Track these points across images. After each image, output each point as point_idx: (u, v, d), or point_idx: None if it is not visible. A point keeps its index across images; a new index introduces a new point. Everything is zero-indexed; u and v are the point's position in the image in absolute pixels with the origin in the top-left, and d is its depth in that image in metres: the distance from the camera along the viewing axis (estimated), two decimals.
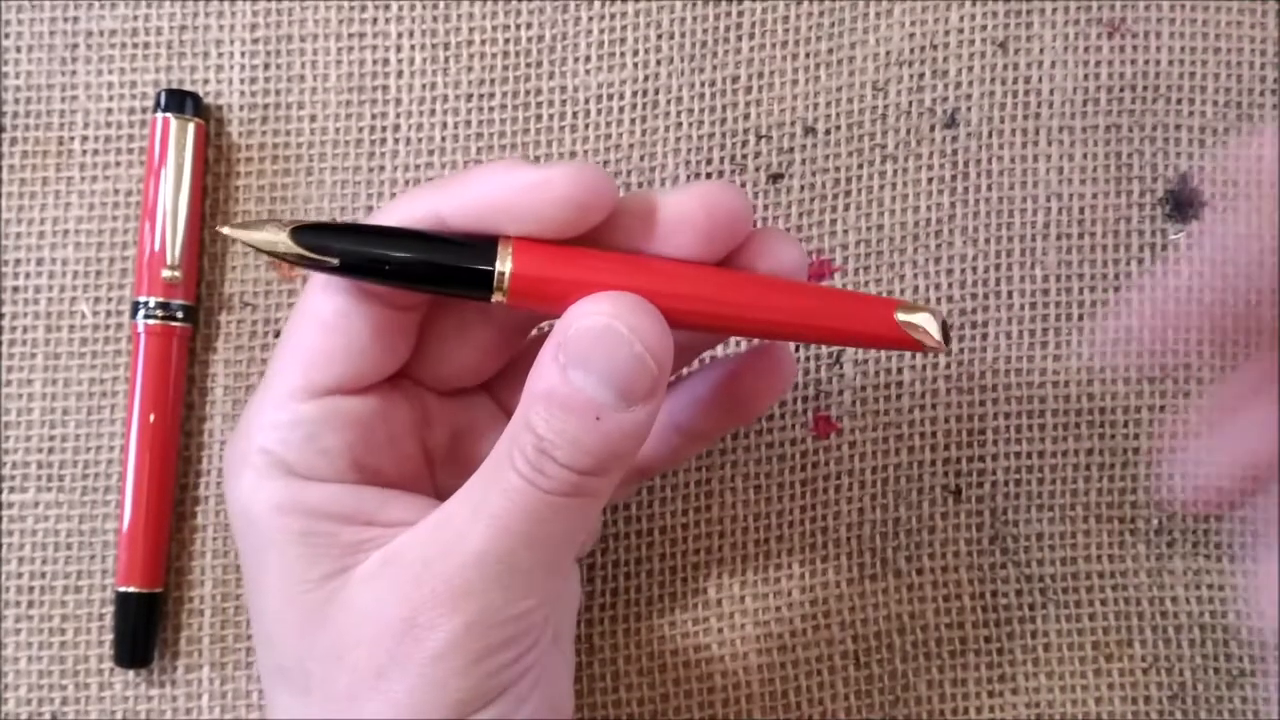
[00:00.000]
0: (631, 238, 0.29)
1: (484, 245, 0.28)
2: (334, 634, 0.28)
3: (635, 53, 0.39)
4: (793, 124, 0.39)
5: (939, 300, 0.38)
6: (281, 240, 0.28)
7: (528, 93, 0.39)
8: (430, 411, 0.32)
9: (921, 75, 0.39)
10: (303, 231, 0.28)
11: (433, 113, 0.38)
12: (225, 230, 0.29)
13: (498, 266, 0.27)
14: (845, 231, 0.38)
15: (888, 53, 0.39)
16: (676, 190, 0.29)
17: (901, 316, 0.28)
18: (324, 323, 0.29)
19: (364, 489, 0.29)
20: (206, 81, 0.39)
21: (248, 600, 0.31)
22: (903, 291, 0.38)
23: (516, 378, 0.32)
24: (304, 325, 0.30)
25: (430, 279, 0.28)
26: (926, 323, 0.28)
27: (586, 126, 0.38)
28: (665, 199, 0.29)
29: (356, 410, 0.30)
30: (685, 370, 0.35)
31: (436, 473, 0.32)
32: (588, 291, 0.27)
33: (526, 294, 0.28)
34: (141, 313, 0.37)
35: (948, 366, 0.38)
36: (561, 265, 0.28)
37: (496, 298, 0.28)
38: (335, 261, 0.28)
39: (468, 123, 0.38)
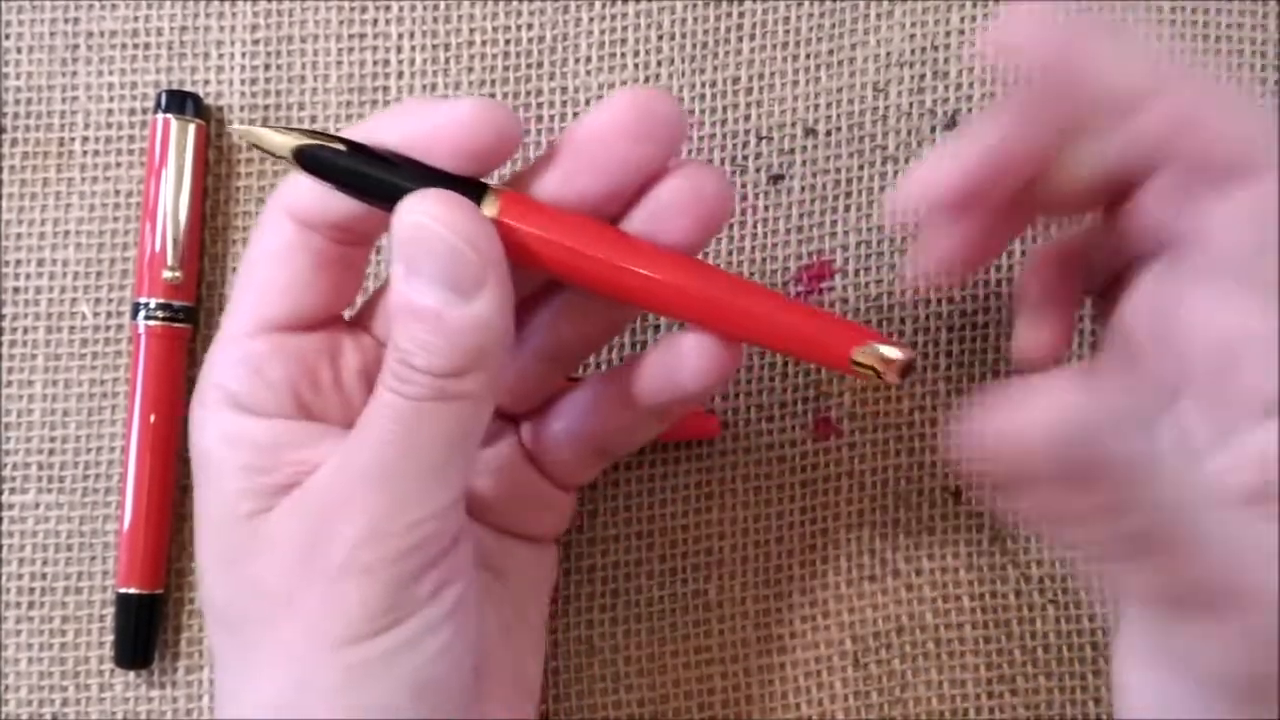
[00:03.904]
0: (563, 168, 0.29)
1: (474, 186, 0.29)
2: (252, 571, 0.29)
3: (636, 54, 0.39)
4: (793, 125, 0.39)
5: (940, 301, 0.38)
6: (286, 153, 0.29)
7: (528, 94, 0.39)
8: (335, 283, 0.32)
9: (922, 77, 0.39)
10: (306, 150, 0.29)
11: None
12: (235, 128, 0.30)
13: (485, 210, 0.28)
14: (845, 232, 0.38)
15: (888, 54, 0.39)
16: (600, 103, 0.29)
17: (857, 356, 0.29)
18: (270, 256, 0.30)
19: (307, 424, 0.30)
20: (207, 82, 0.39)
21: (196, 545, 0.32)
22: (902, 292, 0.38)
23: None
24: (252, 263, 0.31)
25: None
26: (881, 361, 0.29)
27: None
28: (589, 115, 0.29)
29: (302, 346, 0.31)
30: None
31: None
32: (562, 253, 0.29)
33: (505, 241, 0.28)
34: (142, 314, 0.37)
35: (948, 368, 0.38)
36: (541, 222, 0.29)
37: None
38: (330, 184, 0.29)
39: None
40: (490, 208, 0.28)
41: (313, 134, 0.29)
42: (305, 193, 0.30)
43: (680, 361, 0.31)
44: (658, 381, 0.33)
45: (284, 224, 0.30)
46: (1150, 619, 0.28)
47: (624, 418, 0.33)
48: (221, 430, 0.30)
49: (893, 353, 0.29)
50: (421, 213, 0.27)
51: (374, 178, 0.29)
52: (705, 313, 0.30)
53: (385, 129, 0.29)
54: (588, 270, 0.29)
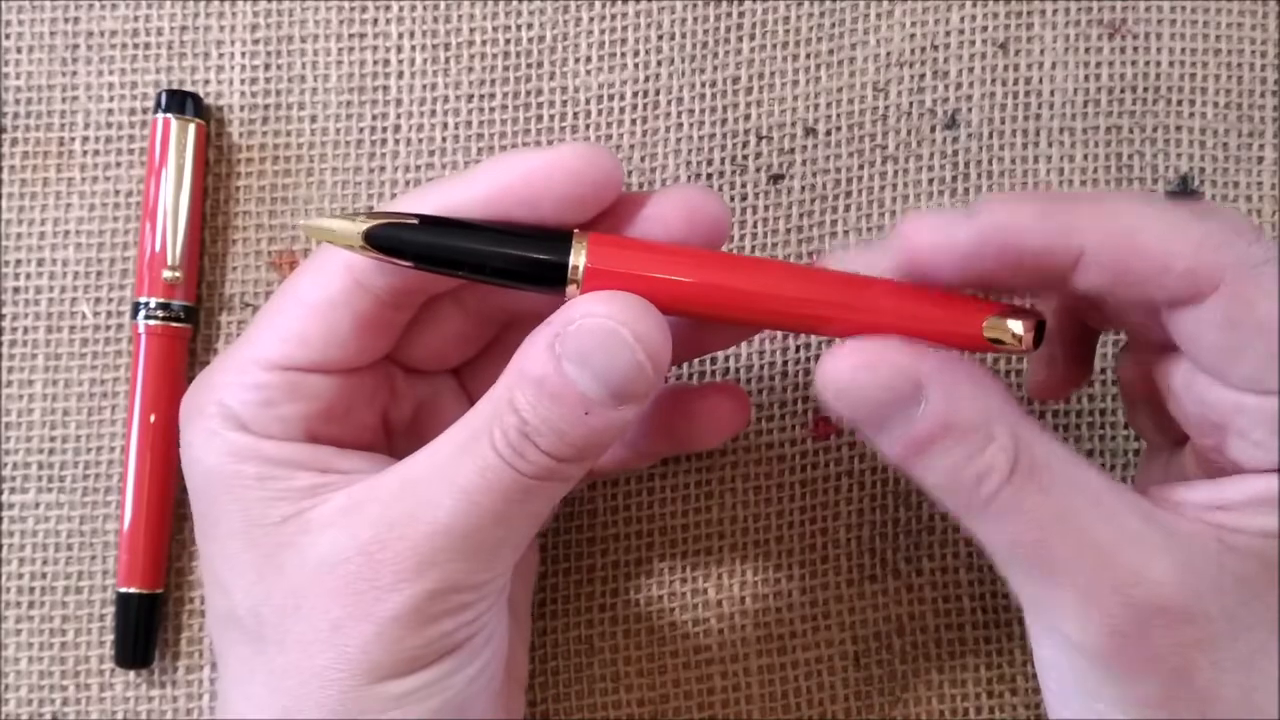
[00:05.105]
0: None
1: (558, 238, 0.27)
2: (291, 581, 0.28)
3: (636, 53, 0.39)
4: (793, 125, 0.39)
5: None
6: (357, 240, 0.27)
7: (528, 93, 0.39)
8: (397, 387, 0.32)
9: (922, 76, 0.39)
10: (378, 232, 0.27)
11: (433, 113, 0.38)
12: (302, 224, 0.28)
13: (572, 260, 0.27)
14: (845, 232, 0.38)
15: (888, 54, 0.39)
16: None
17: (989, 331, 0.28)
18: (309, 307, 0.29)
19: (317, 446, 0.30)
20: (207, 82, 0.39)
21: (201, 553, 0.31)
22: None
23: (483, 365, 0.33)
24: (289, 302, 0.30)
25: (503, 273, 0.28)
26: (1015, 329, 0.28)
27: (587, 127, 0.38)
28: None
29: (319, 387, 0.30)
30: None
31: (395, 443, 0.32)
32: (662, 286, 0.27)
33: (600, 288, 0.27)
34: (142, 313, 0.37)
35: None
36: (636, 259, 0.28)
37: (570, 290, 0.27)
38: (409, 263, 0.27)
39: (468, 123, 0.38)
40: (579, 255, 0.27)
41: (381, 214, 0.28)
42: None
43: (693, 424, 0.33)
44: (667, 435, 0.34)
45: (338, 276, 0.29)
46: (1017, 587, 0.29)
47: (620, 455, 0.34)
48: (228, 446, 0.29)
49: (1018, 326, 0.27)
50: (619, 321, 0.26)
51: (452, 248, 0.27)
52: (825, 321, 0.28)
53: (483, 180, 0.28)
54: (697, 299, 0.28)
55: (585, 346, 0.26)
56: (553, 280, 0.27)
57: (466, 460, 0.27)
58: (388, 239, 0.27)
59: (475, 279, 0.28)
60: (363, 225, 0.27)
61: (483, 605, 0.29)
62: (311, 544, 0.28)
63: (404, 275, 0.29)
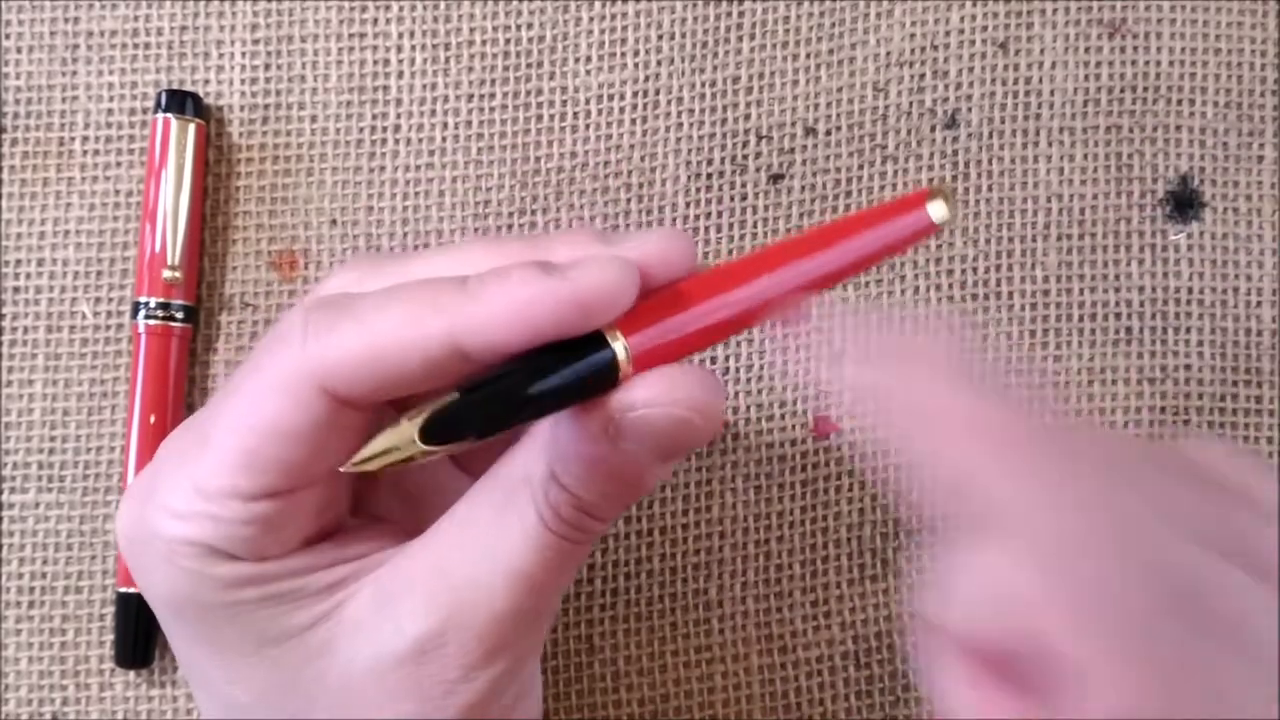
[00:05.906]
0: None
1: (589, 344, 0.26)
2: (337, 687, 0.27)
3: (636, 53, 0.39)
4: (793, 124, 0.39)
5: (939, 300, 0.38)
6: (417, 449, 0.25)
7: (528, 93, 0.39)
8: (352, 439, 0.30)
9: (922, 76, 0.39)
10: (432, 432, 0.25)
11: (433, 113, 0.38)
12: (355, 463, 0.25)
13: (618, 354, 0.26)
14: None
15: (888, 53, 0.39)
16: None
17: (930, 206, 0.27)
18: (290, 436, 0.26)
19: (317, 546, 0.28)
20: (207, 82, 0.39)
21: (190, 671, 0.29)
22: (903, 293, 0.38)
23: None
24: (254, 425, 0.26)
25: (558, 404, 0.26)
26: (947, 195, 0.27)
27: (587, 127, 0.39)
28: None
29: (309, 497, 0.28)
30: None
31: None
32: (701, 336, 0.27)
33: (649, 365, 0.26)
34: (142, 313, 0.37)
35: None
36: (668, 320, 0.27)
37: (623, 373, 0.26)
38: (473, 441, 0.26)
39: (468, 123, 0.38)
40: (618, 343, 0.26)
41: (425, 409, 0.25)
42: (353, 365, 0.26)
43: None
44: None
45: (315, 401, 0.26)
46: None
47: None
48: (220, 579, 0.27)
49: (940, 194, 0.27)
50: (688, 408, 0.25)
51: (507, 409, 0.25)
52: (810, 290, 0.27)
53: (498, 304, 0.25)
54: (730, 328, 0.27)
55: (647, 431, 0.25)
56: (606, 384, 0.26)
57: (512, 539, 0.27)
58: (442, 433, 0.25)
59: (533, 420, 0.27)
60: (416, 430, 0.25)
61: (535, 656, 0.30)
62: (351, 644, 0.27)
63: (406, 375, 0.26)
